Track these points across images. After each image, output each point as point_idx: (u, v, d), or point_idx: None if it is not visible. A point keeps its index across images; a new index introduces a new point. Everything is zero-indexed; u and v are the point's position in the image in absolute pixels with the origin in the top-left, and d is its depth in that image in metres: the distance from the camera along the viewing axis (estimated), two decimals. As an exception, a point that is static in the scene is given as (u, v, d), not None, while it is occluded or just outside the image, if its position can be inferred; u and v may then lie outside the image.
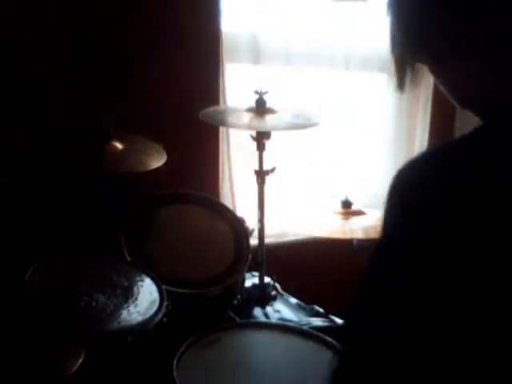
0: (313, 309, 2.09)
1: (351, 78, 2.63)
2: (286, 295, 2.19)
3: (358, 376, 0.83)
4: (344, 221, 2.13)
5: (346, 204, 2.17)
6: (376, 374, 0.81)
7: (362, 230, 2.05)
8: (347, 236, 2.07)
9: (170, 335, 1.68)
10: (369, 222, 2.09)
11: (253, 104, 2.07)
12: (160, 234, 2.00)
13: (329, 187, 2.65)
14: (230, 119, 2.15)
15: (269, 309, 2.09)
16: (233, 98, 2.39)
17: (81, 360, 1.40)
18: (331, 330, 1.88)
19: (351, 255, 2.01)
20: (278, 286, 2.21)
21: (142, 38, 2.17)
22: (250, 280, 2.17)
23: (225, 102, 2.38)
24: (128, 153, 1.93)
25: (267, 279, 2.19)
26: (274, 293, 2.17)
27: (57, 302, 1.58)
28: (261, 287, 2.15)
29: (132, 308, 1.64)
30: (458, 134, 2.71)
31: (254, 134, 2.08)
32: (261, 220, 2.16)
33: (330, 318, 2.01)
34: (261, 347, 1.82)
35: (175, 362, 1.60)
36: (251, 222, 2.14)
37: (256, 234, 2.15)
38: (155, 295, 1.70)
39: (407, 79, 0.89)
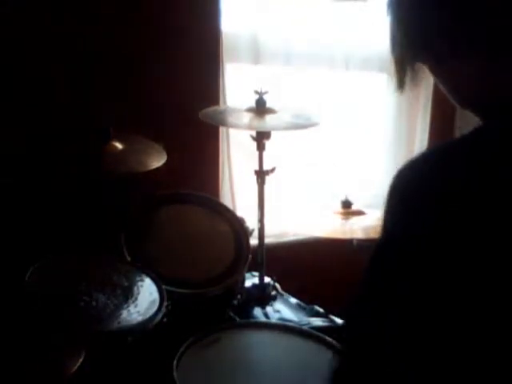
0: (313, 309, 2.09)
1: (351, 78, 2.63)
2: (286, 295, 2.19)
3: (358, 376, 0.83)
4: (344, 221, 2.13)
5: (346, 204, 2.17)
6: (376, 373, 0.81)
7: (362, 230, 2.05)
8: (347, 236, 2.07)
9: (169, 335, 1.68)
10: (369, 222, 2.09)
11: (253, 104, 2.07)
12: (160, 234, 2.00)
13: (329, 187, 2.65)
14: (230, 119, 2.15)
15: (269, 309, 2.09)
16: (233, 98, 2.39)
17: (81, 360, 1.40)
18: (331, 330, 1.88)
19: (351, 255, 2.01)
20: (278, 286, 2.21)
21: (142, 38, 2.17)
22: (250, 280, 2.17)
23: (225, 102, 2.38)
24: (128, 153, 1.93)
25: (267, 279, 2.19)
26: (273, 293, 2.17)
27: (57, 301, 1.58)
28: (261, 287, 2.15)
29: (132, 308, 1.64)
30: (458, 134, 2.71)
31: (254, 134, 2.08)
32: (261, 220, 2.16)
33: (329, 318, 2.01)
34: (261, 347, 1.82)
35: (175, 362, 1.60)
36: (251, 222, 2.14)
37: (256, 234, 2.15)
38: (155, 295, 1.70)
39: (407, 79, 0.89)
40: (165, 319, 1.67)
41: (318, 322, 1.98)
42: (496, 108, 0.82)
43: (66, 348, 1.45)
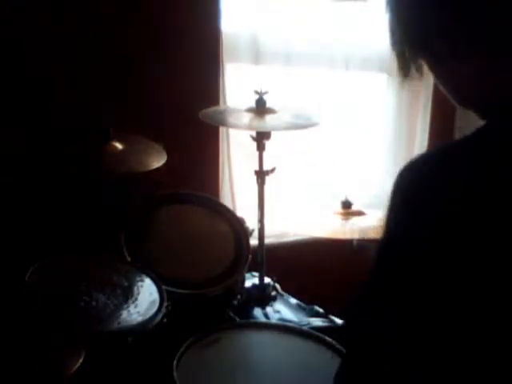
0: (313, 309, 2.09)
1: (351, 77, 2.62)
2: (286, 295, 2.19)
3: (359, 376, 0.83)
4: (344, 221, 2.13)
5: (346, 204, 2.17)
6: (376, 374, 0.81)
7: (362, 231, 2.05)
8: (347, 236, 2.07)
9: (169, 335, 1.68)
10: (369, 223, 2.09)
11: (253, 104, 2.07)
12: (160, 234, 1.99)
13: (329, 187, 2.65)
14: (230, 119, 2.15)
15: (269, 309, 2.09)
16: (233, 98, 2.39)
17: (81, 360, 1.40)
18: (331, 330, 1.87)
19: (351, 255, 2.02)
20: (278, 286, 2.21)
21: (142, 38, 2.17)
22: (250, 280, 2.17)
23: (225, 102, 2.38)
24: (128, 153, 1.93)
25: (267, 279, 2.19)
26: (274, 293, 2.17)
27: (57, 302, 1.58)
28: (261, 287, 2.15)
29: (132, 308, 1.63)
30: (458, 133, 2.71)
31: (254, 134, 2.08)
32: (261, 220, 2.16)
33: (329, 319, 2.01)
34: (261, 347, 1.82)
35: (175, 362, 1.60)
36: (251, 222, 2.14)
37: (256, 234, 2.15)
38: (155, 295, 1.70)
39: (411, 72, 0.89)
40: (165, 319, 1.67)
41: (317, 322, 1.98)
42: (496, 108, 0.82)
43: (66, 348, 1.45)
